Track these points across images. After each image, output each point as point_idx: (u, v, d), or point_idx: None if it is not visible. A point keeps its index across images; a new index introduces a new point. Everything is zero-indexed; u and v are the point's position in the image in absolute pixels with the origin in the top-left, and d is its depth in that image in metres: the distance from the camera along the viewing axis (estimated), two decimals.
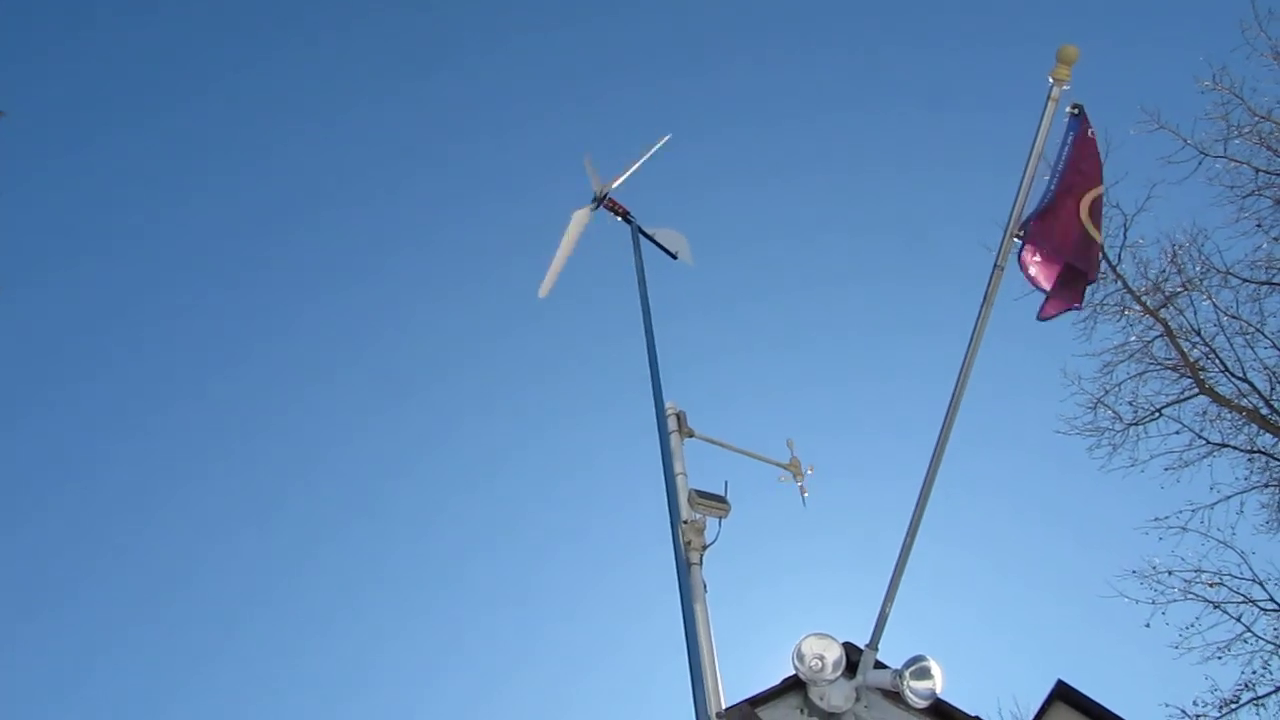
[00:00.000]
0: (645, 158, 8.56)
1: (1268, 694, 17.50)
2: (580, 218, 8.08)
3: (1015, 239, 5.47)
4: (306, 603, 33.08)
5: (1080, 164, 5.44)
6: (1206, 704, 17.68)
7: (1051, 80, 5.38)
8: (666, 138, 8.83)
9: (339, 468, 33.31)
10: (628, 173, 8.30)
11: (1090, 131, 5.46)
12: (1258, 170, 19.09)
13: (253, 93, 32.34)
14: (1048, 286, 5.42)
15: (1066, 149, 5.47)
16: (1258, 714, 17.45)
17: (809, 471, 6.22)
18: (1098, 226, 5.42)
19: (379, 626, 32.15)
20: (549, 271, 8.08)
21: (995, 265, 5.48)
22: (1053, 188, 5.49)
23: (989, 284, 5.47)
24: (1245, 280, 19.24)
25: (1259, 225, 19.02)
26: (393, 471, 33.31)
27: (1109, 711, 6.32)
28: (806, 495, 6.14)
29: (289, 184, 32.88)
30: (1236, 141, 19.21)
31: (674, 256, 7.94)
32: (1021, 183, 5.43)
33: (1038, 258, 5.44)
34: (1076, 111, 5.50)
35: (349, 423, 33.61)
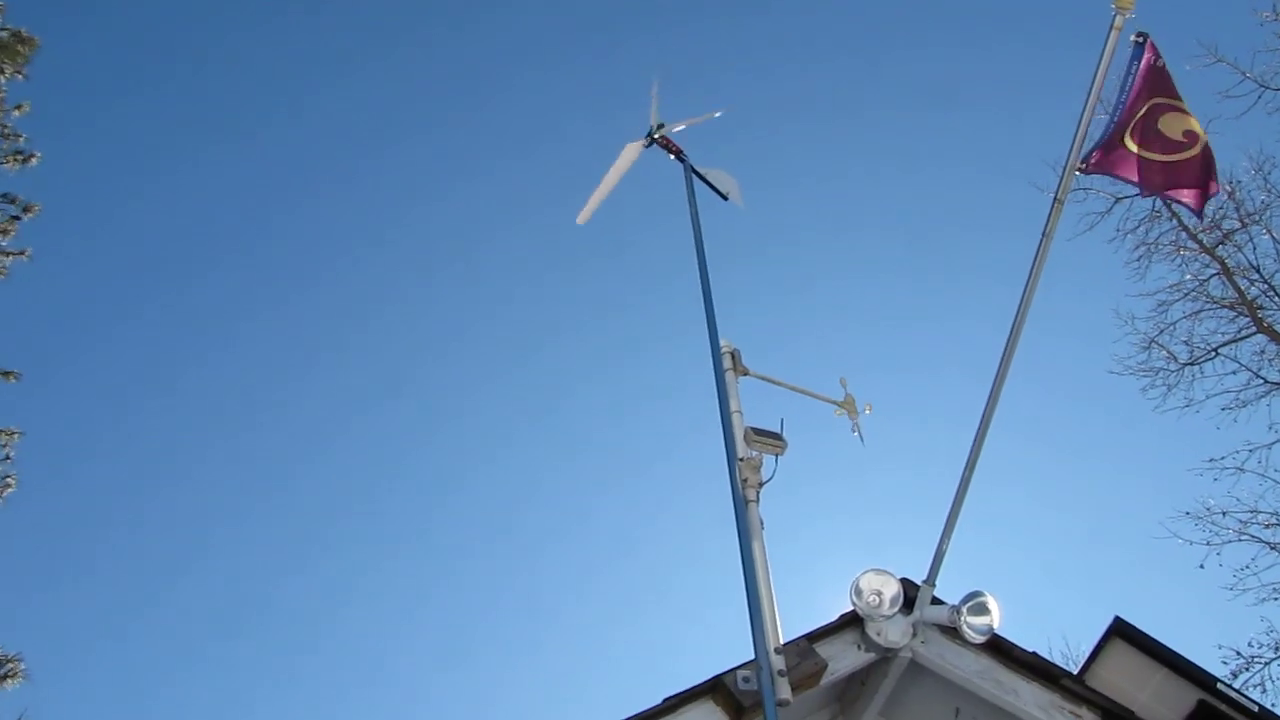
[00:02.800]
0: (693, 122, 8.44)
1: None
2: (631, 150, 8.05)
3: (1076, 172, 5.38)
4: (348, 554, 33.64)
5: (1145, 93, 5.31)
6: (1262, 645, 17.65)
7: (1115, 8, 5.26)
8: (718, 113, 8.65)
9: (394, 412, 33.59)
10: (680, 125, 8.22)
11: (1158, 61, 5.33)
12: None
13: (255, 58, 31.97)
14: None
15: (1131, 79, 5.35)
16: None
17: (866, 411, 6.20)
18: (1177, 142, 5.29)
19: (433, 568, 32.71)
20: (591, 198, 8.06)
21: (1055, 199, 5.39)
22: (1116, 119, 5.38)
23: (1048, 219, 5.38)
24: None
25: None
26: (449, 412, 33.60)
27: (1169, 649, 6.29)
28: (861, 434, 6.12)
29: (297, 147, 32.70)
30: None
31: (725, 198, 7.90)
32: (1083, 114, 5.32)
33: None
34: (1141, 40, 5.37)
35: (395, 372, 33.89)
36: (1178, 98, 5.38)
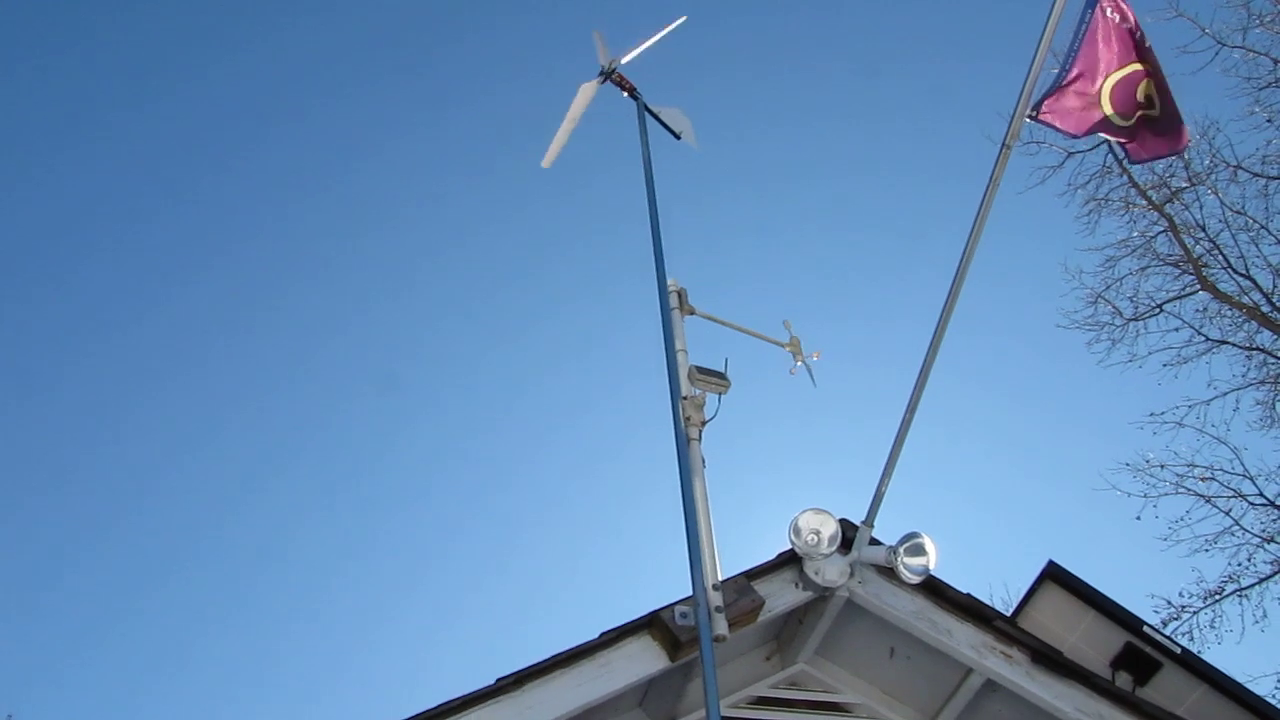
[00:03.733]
0: (657, 38, 8.34)
1: (1250, 585, 17.95)
2: (587, 90, 7.95)
3: (1027, 119, 5.36)
4: (310, 483, 33.39)
5: (1098, 45, 5.29)
6: (1192, 595, 18.13)
7: None
8: (681, 19, 8.55)
9: (355, 344, 33.02)
10: (638, 50, 8.13)
11: (1110, 11, 5.29)
12: (1276, 61, 18.80)
13: None
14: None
15: (1085, 27, 5.32)
16: (1240, 605, 17.93)
17: (815, 358, 6.22)
18: (1139, 104, 5.28)
19: (376, 507, 32.53)
20: (554, 142, 7.98)
21: (1003, 144, 5.36)
22: (1068, 68, 5.35)
23: (995, 164, 5.36)
24: (1255, 175, 19.11)
25: (1270, 120, 18.81)
26: (398, 350, 33.18)
27: (1098, 592, 6.45)
28: (812, 374, 6.14)
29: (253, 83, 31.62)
30: (1257, 31, 18.88)
31: (678, 137, 7.83)
32: (1034, 60, 5.29)
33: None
34: None
35: (354, 307, 33.41)
36: (1130, 61, 5.36)
